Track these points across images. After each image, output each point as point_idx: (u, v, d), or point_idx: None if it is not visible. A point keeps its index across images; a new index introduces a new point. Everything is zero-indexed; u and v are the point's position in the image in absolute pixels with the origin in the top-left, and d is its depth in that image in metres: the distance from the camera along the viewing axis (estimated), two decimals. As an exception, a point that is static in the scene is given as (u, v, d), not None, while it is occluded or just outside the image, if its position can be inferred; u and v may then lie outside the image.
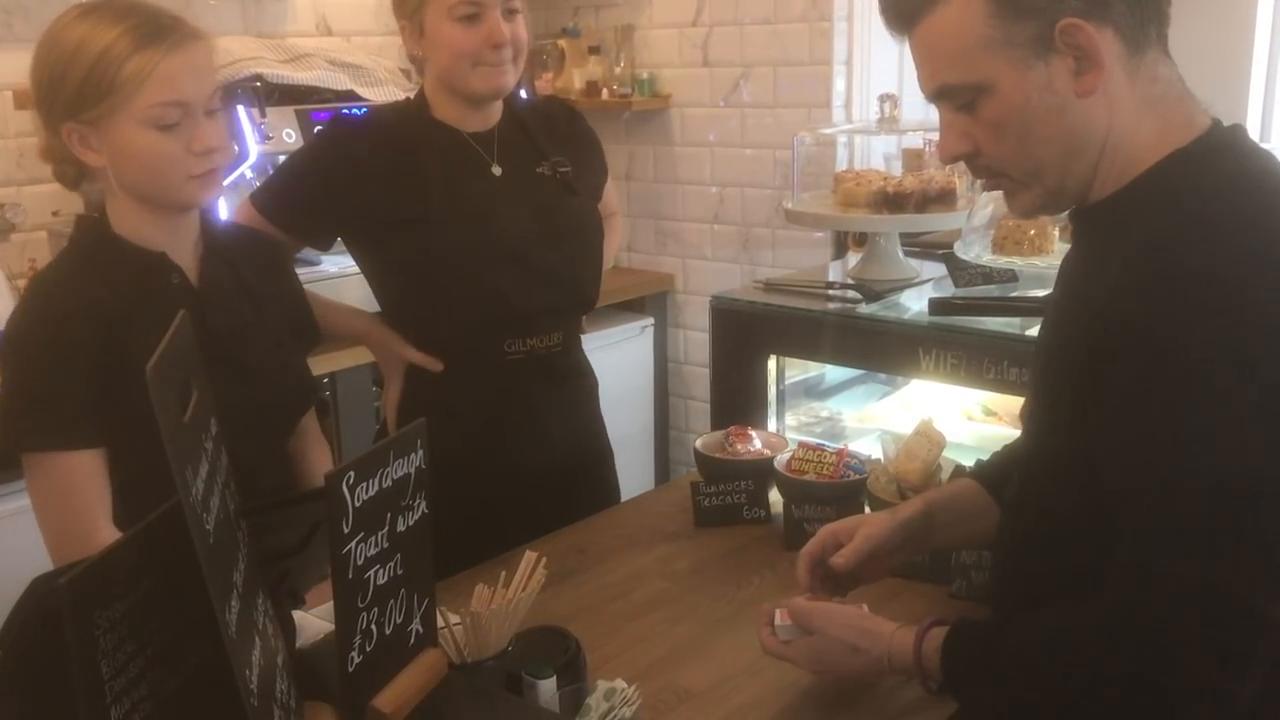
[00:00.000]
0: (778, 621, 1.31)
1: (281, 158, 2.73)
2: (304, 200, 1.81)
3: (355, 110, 2.81)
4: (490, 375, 1.84)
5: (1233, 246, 0.99)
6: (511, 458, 1.86)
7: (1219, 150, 1.08)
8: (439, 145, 1.81)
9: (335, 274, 2.73)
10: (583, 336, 2.01)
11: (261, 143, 2.64)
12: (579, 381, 1.98)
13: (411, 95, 1.90)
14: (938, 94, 1.12)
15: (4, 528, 2.09)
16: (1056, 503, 1.12)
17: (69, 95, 1.38)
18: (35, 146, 1.47)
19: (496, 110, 1.86)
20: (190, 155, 1.41)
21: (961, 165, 2.48)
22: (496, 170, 1.83)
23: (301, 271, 1.94)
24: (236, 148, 1.52)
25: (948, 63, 1.09)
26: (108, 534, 1.40)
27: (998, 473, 1.40)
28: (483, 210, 1.80)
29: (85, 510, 1.41)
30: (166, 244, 1.49)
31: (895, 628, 1.21)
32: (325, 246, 1.93)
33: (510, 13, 1.75)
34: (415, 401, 1.87)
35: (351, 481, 1.02)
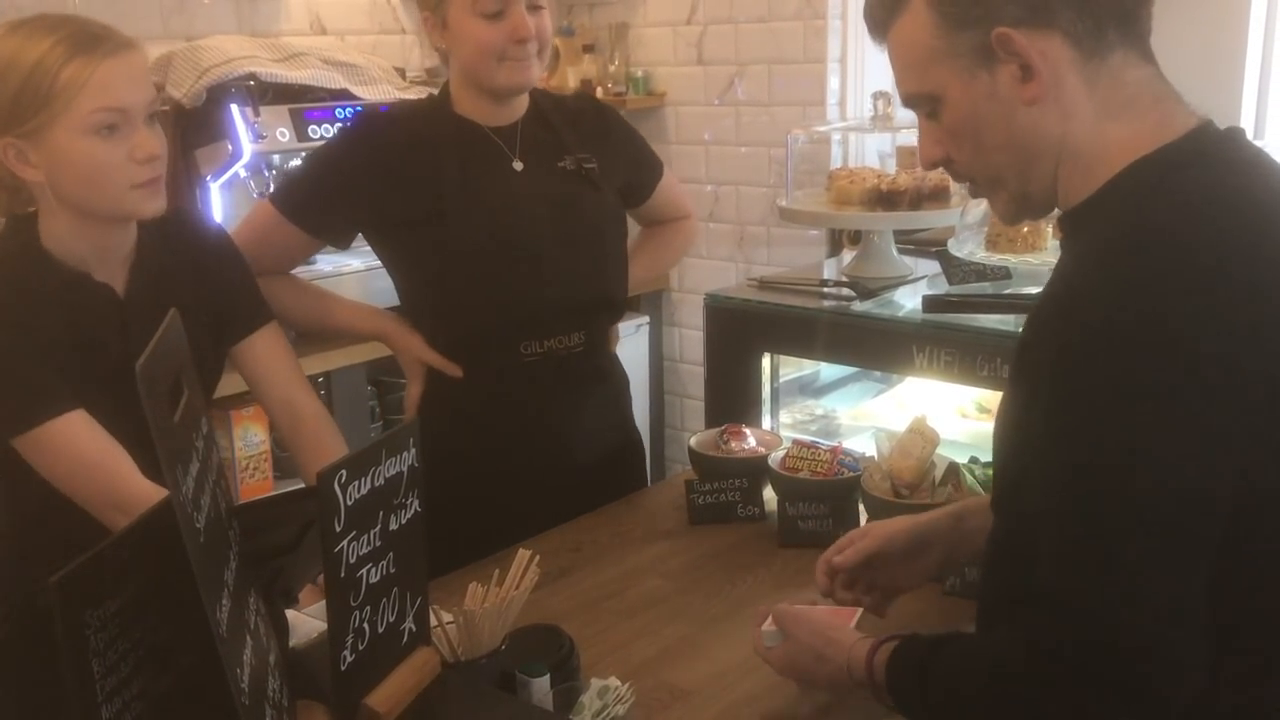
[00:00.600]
0: (765, 626, 1.31)
1: (276, 157, 2.74)
2: (325, 200, 1.80)
3: (351, 109, 2.81)
4: (506, 376, 1.82)
5: (1162, 267, 0.95)
6: (528, 460, 1.85)
7: (1189, 157, 1.04)
8: (460, 140, 1.79)
9: (330, 273, 2.73)
10: None
11: (255, 142, 2.64)
12: (600, 385, 1.94)
13: (435, 91, 1.88)
14: (905, 102, 1.16)
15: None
16: (1024, 507, 1.09)
17: (4, 109, 1.36)
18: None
19: (521, 104, 1.84)
20: (131, 163, 1.40)
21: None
22: (517, 165, 1.81)
23: (300, 270, 1.94)
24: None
25: (907, 72, 1.12)
26: (143, 480, 1.39)
27: None
28: (500, 207, 1.78)
29: (107, 461, 1.41)
30: (95, 258, 1.47)
31: (856, 639, 1.21)
32: (345, 245, 1.93)
33: (534, 7, 1.73)
34: (435, 400, 1.86)
35: (343, 480, 1.02)
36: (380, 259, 1.89)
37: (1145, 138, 1.05)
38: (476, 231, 1.76)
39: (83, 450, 1.41)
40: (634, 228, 2.12)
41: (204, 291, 1.59)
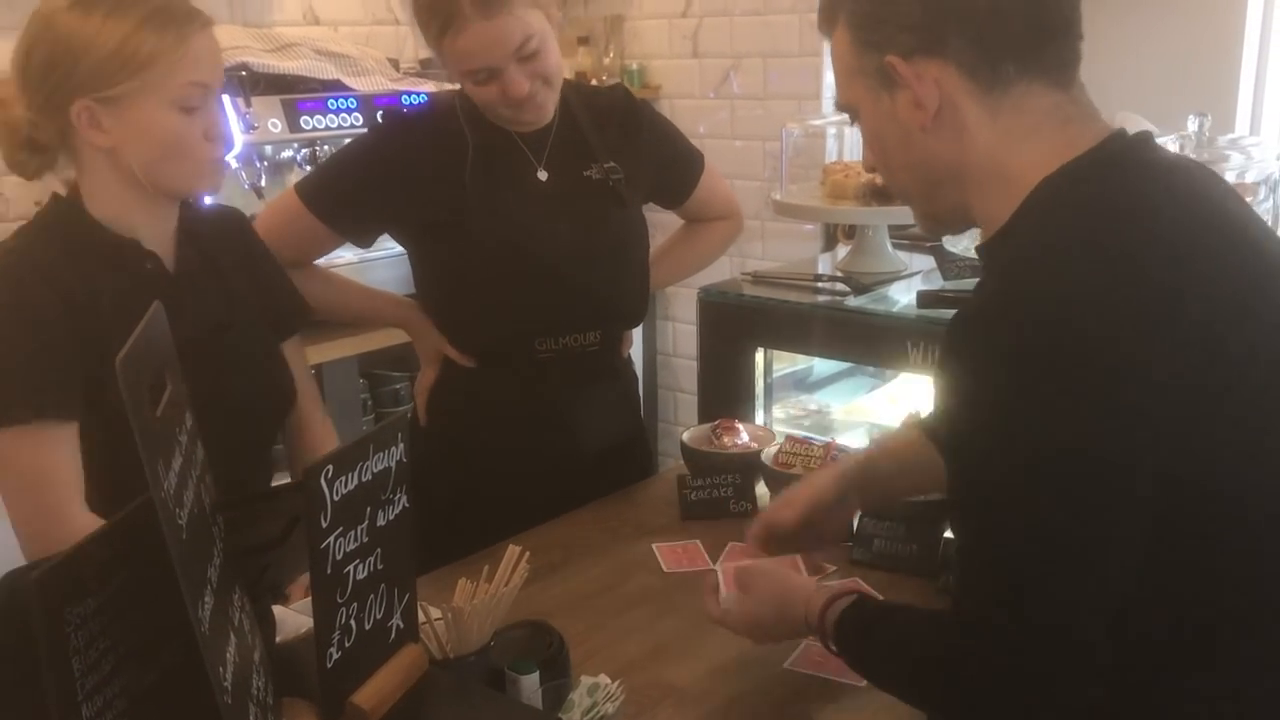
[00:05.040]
0: (722, 591, 1.34)
1: (268, 148, 2.72)
2: (351, 199, 1.79)
3: (344, 100, 2.80)
4: (519, 371, 1.82)
5: (1075, 276, 0.96)
6: (537, 455, 1.85)
7: (1094, 168, 1.04)
8: (486, 145, 1.77)
9: (321, 264, 2.71)
10: None
11: (247, 132, 2.62)
12: (613, 381, 1.95)
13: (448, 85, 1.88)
14: (837, 108, 1.21)
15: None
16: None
17: (88, 71, 1.34)
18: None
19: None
20: (206, 140, 1.41)
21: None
22: (542, 175, 1.79)
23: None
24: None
25: (837, 81, 1.18)
26: (80, 514, 1.36)
27: None
28: (521, 221, 1.77)
29: (57, 487, 1.37)
30: (144, 230, 1.47)
31: (814, 587, 1.26)
32: (367, 244, 1.91)
33: (527, 58, 1.65)
34: (446, 390, 1.88)
35: (330, 475, 1.00)
36: (405, 250, 1.89)
37: (1053, 157, 1.05)
38: (496, 243, 1.75)
39: (43, 468, 1.36)
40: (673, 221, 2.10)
41: (256, 285, 1.61)
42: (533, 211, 1.78)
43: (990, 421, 0.97)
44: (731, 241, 2.14)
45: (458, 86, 1.81)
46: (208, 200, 1.68)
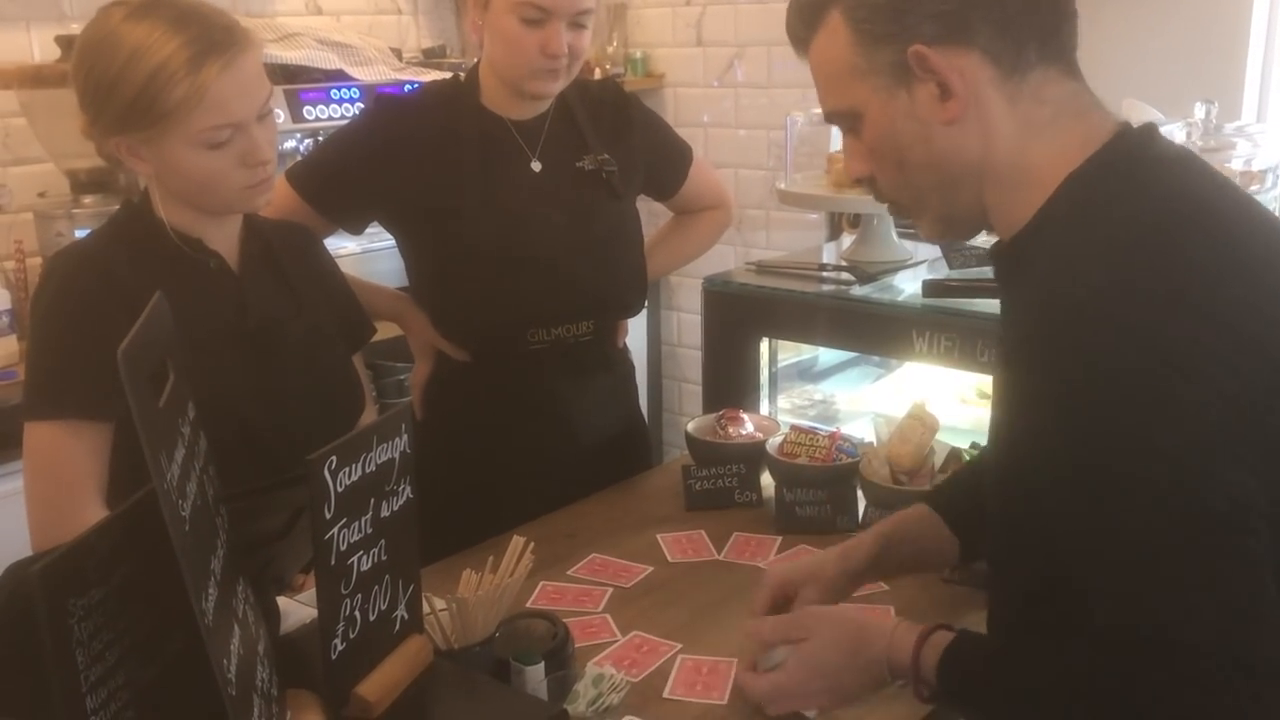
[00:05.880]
0: (770, 651, 1.22)
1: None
2: (341, 183, 1.79)
3: (347, 89, 2.79)
4: (513, 362, 1.82)
5: (1123, 269, 0.93)
6: (533, 445, 1.85)
7: (1119, 163, 1.02)
8: (481, 134, 1.77)
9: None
10: None
11: (250, 123, 2.61)
12: (608, 372, 1.94)
13: (463, 76, 1.85)
14: (827, 119, 1.14)
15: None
16: (1019, 511, 1.06)
17: (118, 111, 1.36)
18: (78, 129, 1.44)
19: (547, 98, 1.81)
20: (243, 168, 1.41)
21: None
22: (536, 166, 1.79)
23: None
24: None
25: (826, 88, 1.11)
26: (94, 512, 1.37)
27: (954, 498, 1.37)
28: (515, 212, 1.76)
29: (74, 483, 1.38)
30: (209, 231, 1.48)
31: (895, 623, 1.15)
32: (358, 231, 1.91)
33: (577, 26, 1.70)
34: (441, 382, 1.88)
35: (334, 466, 1.00)
36: (395, 240, 1.88)
37: (1073, 151, 1.03)
38: (489, 233, 1.75)
39: (63, 464, 1.38)
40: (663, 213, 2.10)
41: (325, 296, 1.63)
42: (526, 201, 1.77)
43: (1087, 436, 0.91)
44: (723, 231, 2.15)
45: (454, 77, 1.81)
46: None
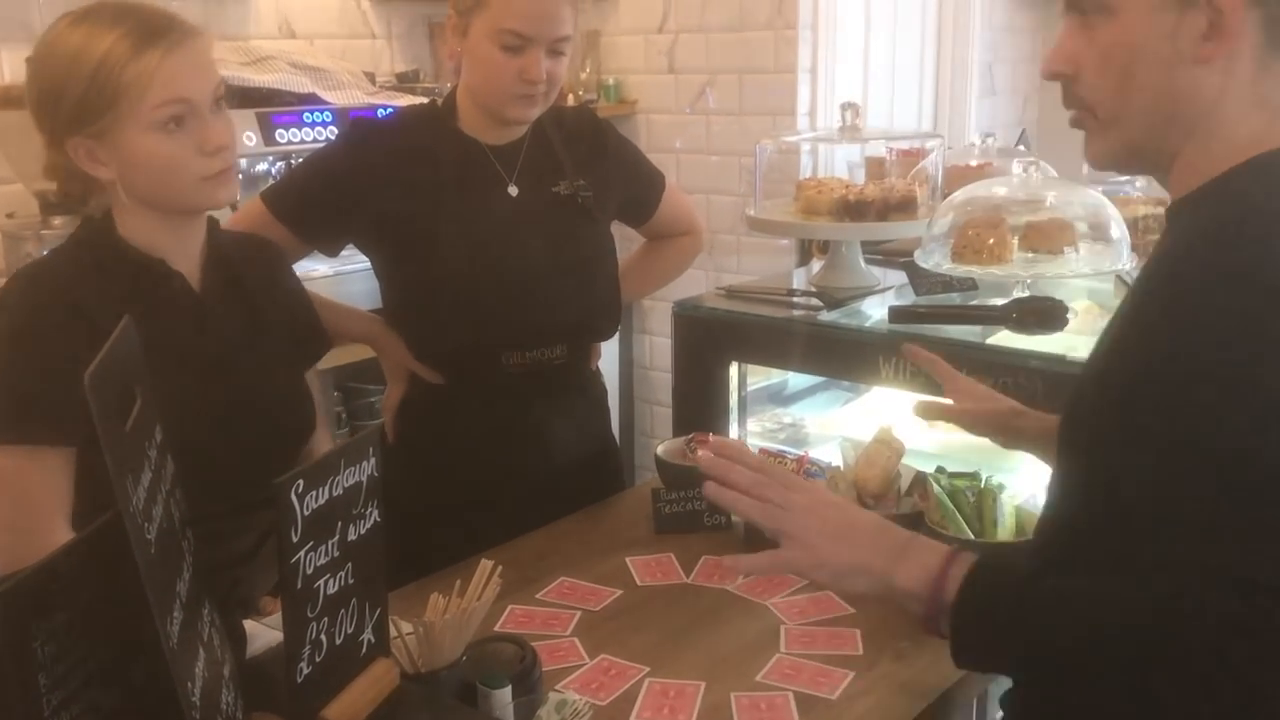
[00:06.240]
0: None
1: (243, 161, 2.71)
2: (318, 204, 1.79)
3: (319, 114, 2.79)
4: (487, 384, 1.83)
5: (1260, 259, 0.94)
6: (510, 466, 1.85)
7: None
8: (458, 158, 1.78)
9: (299, 276, 2.70)
10: None
11: (221, 145, 2.61)
12: (582, 395, 1.96)
13: (439, 101, 1.86)
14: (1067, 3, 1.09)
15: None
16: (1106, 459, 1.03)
17: (71, 108, 1.35)
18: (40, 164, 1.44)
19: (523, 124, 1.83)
20: (201, 156, 1.40)
21: (923, 173, 2.48)
22: (513, 190, 1.81)
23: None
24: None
25: None
26: (60, 535, 1.36)
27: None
28: (491, 235, 1.77)
29: (38, 507, 1.37)
30: (171, 250, 1.47)
31: (911, 533, 1.12)
32: (334, 253, 1.91)
33: (556, 53, 1.72)
34: (415, 406, 1.88)
35: (300, 490, 1.00)
36: (370, 262, 1.88)
37: (1274, 140, 1.03)
38: (466, 257, 1.76)
39: (28, 489, 1.36)
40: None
41: (281, 310, 1.61)
42: (503, 225, 1.79)
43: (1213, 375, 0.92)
44: (694, 256, 2.18)
45: (431, 101, 1.82)
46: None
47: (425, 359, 1.84)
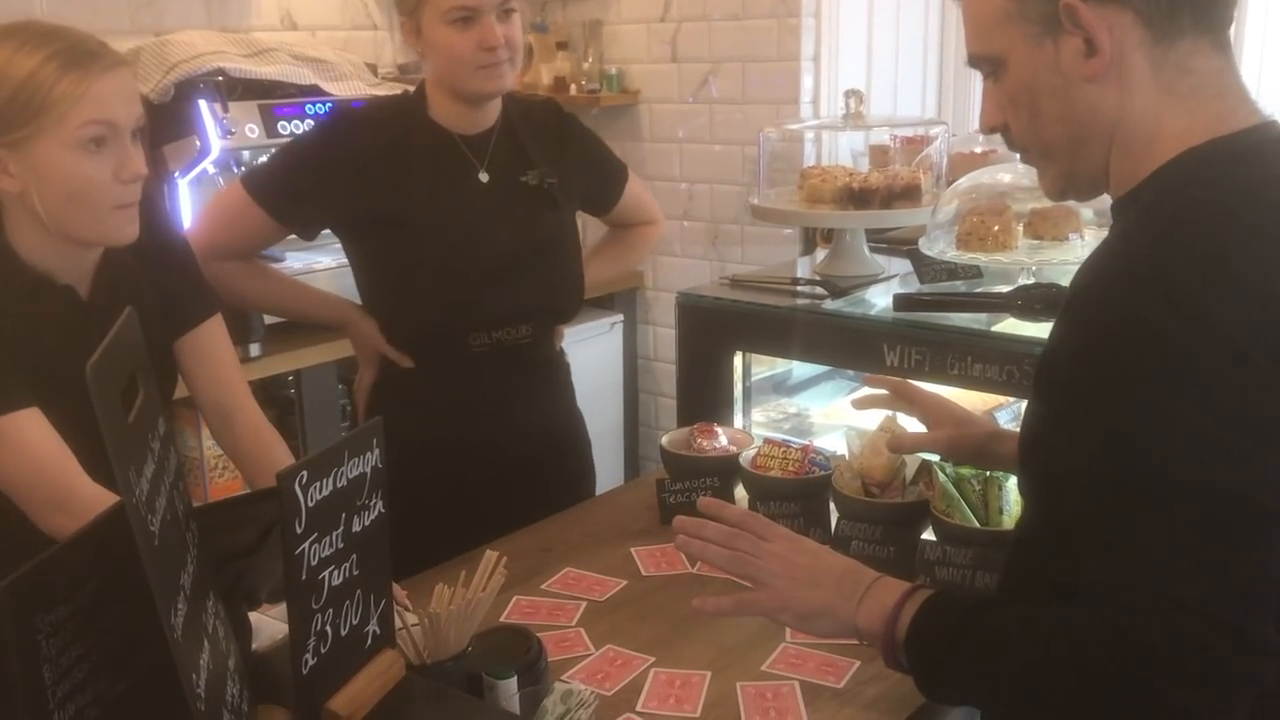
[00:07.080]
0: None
1: (245, 153, 2.71)
2: (296, 189, 1.83)
3: (321, 105, 2.78)
4: (456, 365, 1.88)
5: (1205, 257, 0.94)
6: (479, 444, 1.90)
7: (1238, 152, 1.02)
8: (429, 147, 1.83)
9: (300, 270, 2.70)
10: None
11: (224, 138, 2.61)
12: (548, 371, 2.02)
13: (412, 90, 1.91)
14: (969, 62, 1.13)
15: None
16: (1059, 485, 1.05)
17: None
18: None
19: (493, 112, 1.88)
20: (116, 182, 1.37)
21: (927, 160, 2.47)
22: (483, 177, 1.86)
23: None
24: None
25: (974, 32, 1.11)
26: (86, 482, 1.34)
27: None
28: (462, 222, 1.83)
29: (57, 461, 1.35)
30: (62, 262, 1.44)
31: (877, 575, 1.17)
32: (310, 237, 1.96)
33: (505, 13, 1.77)
34: (386, 388, 1.94)
35: (304, 481, 1.00)
36: (344, 249, 1.94)
37: (1200, 130, 1.03)
38: (437, 242, 1.81)
39: (33, 448, 1.36)
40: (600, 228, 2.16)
41: (151, 282, 1.56)
42: (473, 210, 1.84)
43: (1138, 400, 0.93)
44: (655, 243, 2.27)
45: (404, 92, 1.83)
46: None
47: (397, 341, 1.89)
